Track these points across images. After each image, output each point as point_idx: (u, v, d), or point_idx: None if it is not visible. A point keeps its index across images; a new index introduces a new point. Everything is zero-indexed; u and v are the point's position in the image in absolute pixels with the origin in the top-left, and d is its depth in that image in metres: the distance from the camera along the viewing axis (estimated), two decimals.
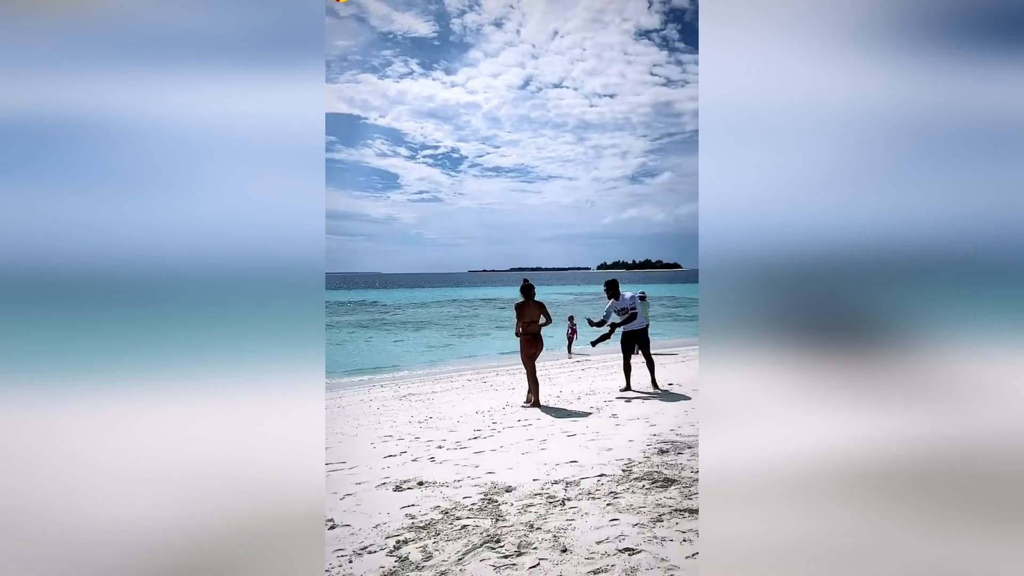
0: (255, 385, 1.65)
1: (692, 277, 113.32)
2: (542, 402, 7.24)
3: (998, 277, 1.70)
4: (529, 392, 7.25)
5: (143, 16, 1.64)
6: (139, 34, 1.63)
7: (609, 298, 7.69)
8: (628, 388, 7.79)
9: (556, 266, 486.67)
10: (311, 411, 1.68)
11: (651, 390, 7.61)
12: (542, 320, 7.14)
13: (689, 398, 6.85)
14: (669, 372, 9.64)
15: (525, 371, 7.46)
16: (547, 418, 6.21)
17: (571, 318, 14.87)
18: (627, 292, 7.85)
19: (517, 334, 7.20)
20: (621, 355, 8.28)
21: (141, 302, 1.62)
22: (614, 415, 6.08)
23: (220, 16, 1.68)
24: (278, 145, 1.69)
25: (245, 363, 1.65)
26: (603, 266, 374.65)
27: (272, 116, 1.69)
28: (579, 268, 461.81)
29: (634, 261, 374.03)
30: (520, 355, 7.30)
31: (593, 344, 7.69)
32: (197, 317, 1.64)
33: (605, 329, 12.42)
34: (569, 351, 16.06)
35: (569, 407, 6.92)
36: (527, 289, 7.22)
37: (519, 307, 7.16)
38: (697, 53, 1.86)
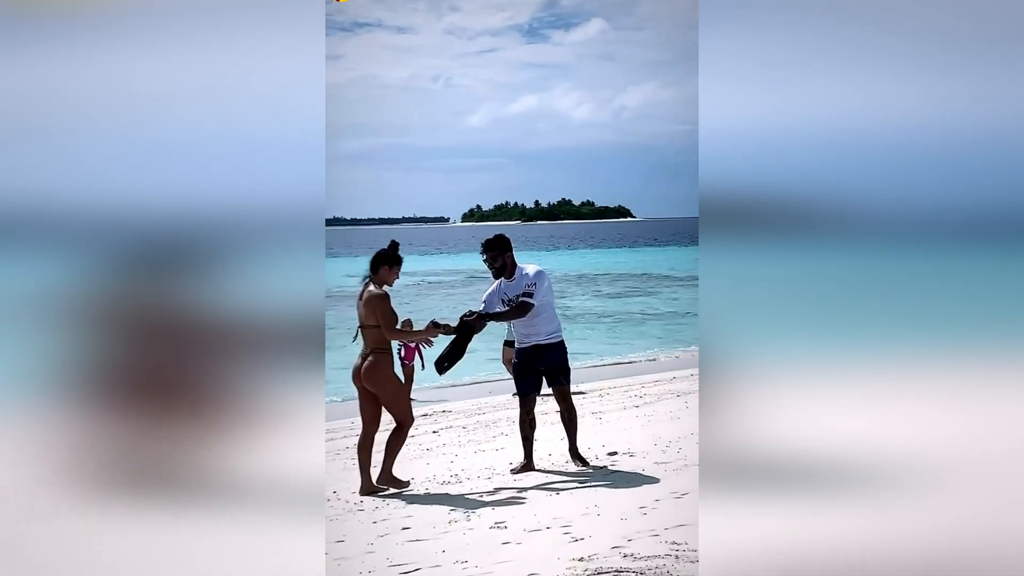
0: None
1: (654, 235, 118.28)
2: (362, 495, 7.69)
3: None
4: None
5: None
6: None
7: (495, 276, 7.93)
8: (528, 466, 7.98)
9: (372, 216, 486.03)
10: None
11: (574, 467, 7.83)
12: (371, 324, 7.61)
13: (656, 480, 7.12)
14: (609, 428, 9.94)
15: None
16: (364, 531, 6.18)
17: (407, 325, 13.48)
18: (528, 265, 8.07)
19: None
20: (516, 399, 8.31)
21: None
22: (500, 523, 6.16)
23: None
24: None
25: None
26: (474, 215, 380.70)
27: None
28: (423, 220, 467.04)
29: (537, 204, 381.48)
30: None
31: (442, 367, 7.88)
32: None
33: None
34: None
35: (410, 507, 6.92)
36: (382, 260, 7.62)
37: None
38: None
